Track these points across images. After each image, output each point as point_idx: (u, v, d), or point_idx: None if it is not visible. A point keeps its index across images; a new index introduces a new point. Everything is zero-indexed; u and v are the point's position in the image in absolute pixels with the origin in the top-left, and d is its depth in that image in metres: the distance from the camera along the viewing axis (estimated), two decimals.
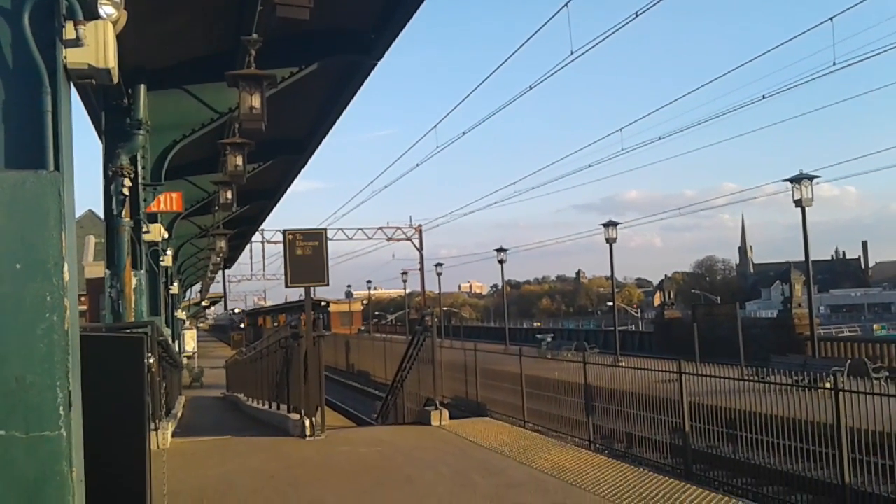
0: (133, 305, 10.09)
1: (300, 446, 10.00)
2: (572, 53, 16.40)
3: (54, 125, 3.38)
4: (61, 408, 3.15)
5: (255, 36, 7.99)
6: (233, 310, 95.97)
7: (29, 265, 3.15)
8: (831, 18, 18.32)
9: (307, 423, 10.25)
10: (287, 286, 10.76)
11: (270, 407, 14.07)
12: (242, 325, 76.66)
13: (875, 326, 65.63)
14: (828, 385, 10.72)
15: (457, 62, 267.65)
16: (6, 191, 3.18)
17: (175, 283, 24.39)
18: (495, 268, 43.15)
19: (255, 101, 8.12)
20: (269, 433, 11.92)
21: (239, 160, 10.61)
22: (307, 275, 10.47)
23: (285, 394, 12.04)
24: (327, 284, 10.82)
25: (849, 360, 20.39)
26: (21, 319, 3.13)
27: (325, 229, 11.27)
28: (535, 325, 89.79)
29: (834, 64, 18.84)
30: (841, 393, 10.40)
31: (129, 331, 6.53)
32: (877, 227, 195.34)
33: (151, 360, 6.89)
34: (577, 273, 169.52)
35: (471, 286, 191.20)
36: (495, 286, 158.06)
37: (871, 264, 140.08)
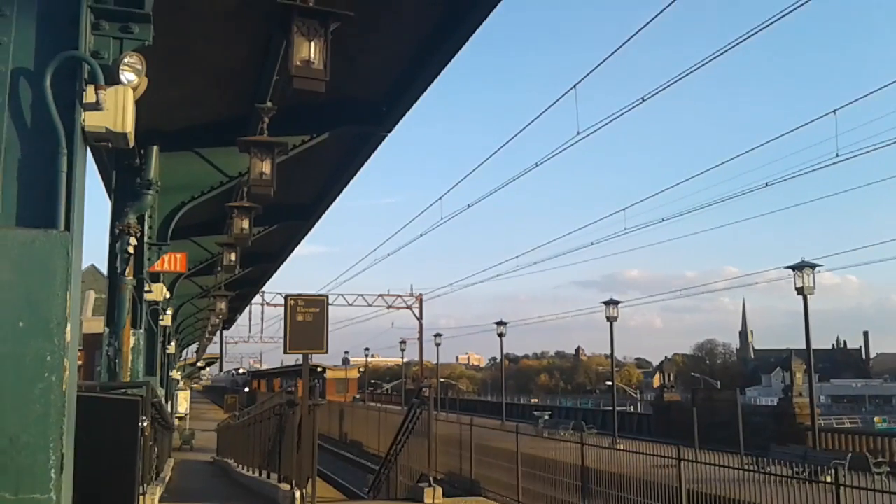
0: (129, 365, 10.00)
1: None
2: (578, 134, 16.69)
3: (68, 186, 3.42)
4: (53, 470, 3.10)
5: (269, 104, 8.15)
6: (236, 370, 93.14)
7: (32, 324, 3.14)
8: (835, 111, 18.66)
9: (297, 494, 10.04)
10: (286, 352, 10.69)
11: (261, 475, 13.81)
12: (247, 388, 70.97)
13: (876, 419, 64.67)
14: (828, 479, 10.53)
15: (463, 135, 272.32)
16: (15, 248, 3.20)
17: (172, 343, 24.25)
18: (494, 340, 42.99)
19: (266, 168, 8.22)
20: (258, 503, 11.67)
21: (245, 223, 10.68)
22: (306, 341, 10.42)
23: (277, 462, 11.82)
24: (326, 352, 10.77)
25: (850, 454, 20.06)
26: (19, 378, 3.11)
27: (327, 296, 11.27)
28: (532, 400, 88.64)
29: (837, 155, 19.10)
30: (842, 487, 10.21)
31: (124, 391, 6.46)
32: (878, 318, 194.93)
33: (145, 424, 6.79)
34: (577, 350, 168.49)
35: (469, 358, 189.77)
36: (493, 359, 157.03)
37: (872, 355, 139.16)
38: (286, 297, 10.60)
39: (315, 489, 10.44)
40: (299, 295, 10.45)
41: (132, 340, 10.00)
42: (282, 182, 9.56)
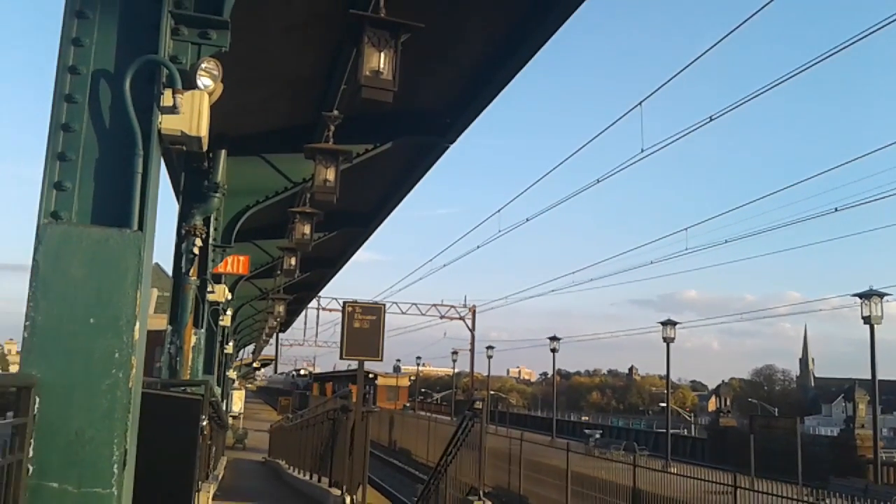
0: (190, 363, 10.19)
1: None
2: (643, 151, 16.50)
3: (143, 186, 3.49)
4: (115, 465, 3.15)
5: (335, 112, 8.24)
6: (297, 370, 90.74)
7: (102, 321, 3.21)
8: None
9: (348, 499, 10.08)
10: (341, 357, 10.82)
11: (311, 478, 13.91)
12: (308, 391, 65.72)
13: None
14: None
15: (523, 149, 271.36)
16: (90, 246, 3.28)
17: (230, 343, 24.68)
18: (546, 355, 42.61)
19: (330, 175, 8.31)
20: None
21: (307, 229, 10.81)
22: (362, 348, 10.47)
23: (328, 467, 11.89)
24: (381, 360, 10.82)
25: None
26: (88, 373, 3.18)
27: (384, 304, 11.33)
28: (583, 418, 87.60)
29: None
30: None
31: (184, 389, 6.58)
32: None
33: (205, 423, 6.89)
34: (630, 369, 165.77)
35: (520, 371, 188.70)
36: (545, 374, 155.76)
37: None
38: (344, 304, 10.68)
39: (365, 496, 10.47)
40: (357, 302, 10.53)
41: (193, 339, 10.19)
42: (344, 189, 9.65)
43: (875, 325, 21.31)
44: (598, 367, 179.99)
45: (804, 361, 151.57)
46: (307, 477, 14.63)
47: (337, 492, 10.64)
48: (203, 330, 10.33)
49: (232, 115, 9.46)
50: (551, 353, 42.69)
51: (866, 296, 21.43)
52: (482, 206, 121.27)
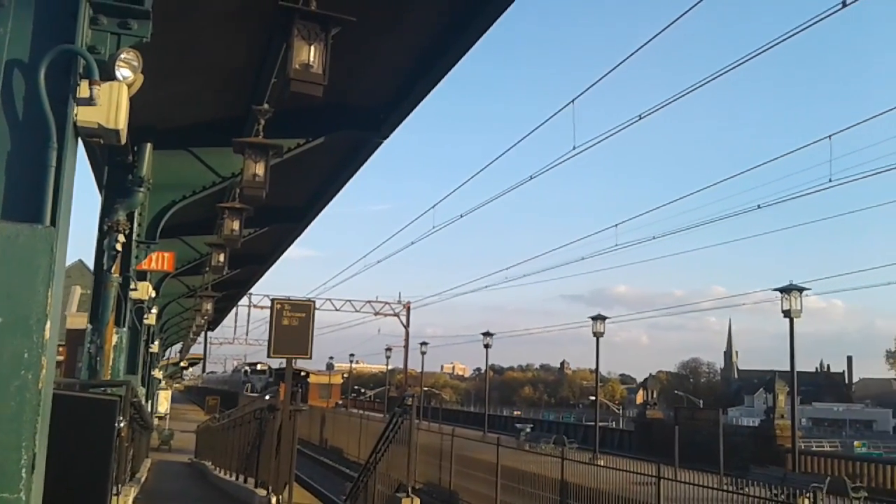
0: (111, 363, 9.90)
1: None
2: (574, 148, 16.73)
3: (56, 180, 3.36)
4: (24, 470, 3.03)
5: (266, 106, 8.10)
6: (253, 365, 76.31)
7: (11, 320, 3.08)
8: (830, 136, 18.81)
9: (274, 499, 9.94)
10: (269, 356, 10.64)
11: (238, 479, 13.68)
12: (261, 390, 59.07)
13: (856, 443, 64.85)
14: (806, 502, 10.58)
15: (458, 145, 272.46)
16: None
17: (156, 342, 24.08)
18: (480, 351, 43.02)
19: (260, 170, 8.16)
20: None
21: (236, 225, 10.61)
22: (291, 346, 10.34)
23: (255, 467, 11.70)
24: (310, 357, 10.70)
25: (828, 478, 20.13)
26: None
27: (314, 301, 11.21)
28: (515, 413, 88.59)
29: (830, 180, 19.24)
30: None
31: (103, 390, 6.38)
32: (862, 343, 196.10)
33: (122, 424, 6.69)
34: (562, 363, 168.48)
35: (454, 367, 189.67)
36: (478, 369, 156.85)
37: (854, 380, 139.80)
38: (273, 301, 10.53)
39: (292, 495, 10.33)
40: (286, 299, 10.38)
41: (115, 339, 9.90)
42: (275, 185, 9.50)
43: (795, 319, 22.10)
44: (531, 362, 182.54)
45: (728, 354, 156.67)
46: (233, 478, 14.39)
47: (263, 492, 10.49)
48: (125, 329, 10.04)
49: (158, 108, 9.23)
50: (485, 349, 42.93)
51: (786, 290, 22.20)
52: (418, 203, 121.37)
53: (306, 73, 5.56)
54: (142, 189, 9.14)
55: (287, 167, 10.48)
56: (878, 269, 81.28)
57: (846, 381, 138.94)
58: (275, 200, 12.69)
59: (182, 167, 10.05)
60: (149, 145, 9.22)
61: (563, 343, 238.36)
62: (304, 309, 10.43)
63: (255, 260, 21.02)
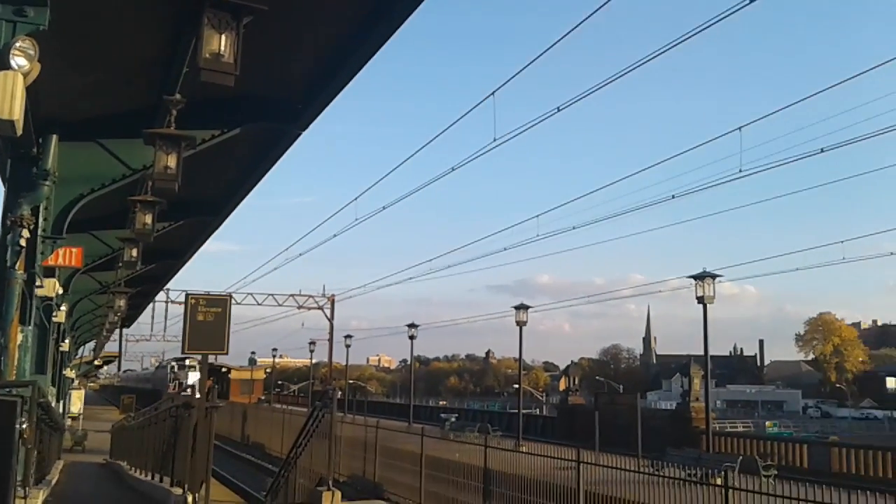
0: (16, 363, 9.51)
1: None
2: (495, 140, 16.84)
3: None
4: None
5: (177, 96, 7.88)
6: (179, 360, 66.75)
7: None
8: (740, 128, 19.44)
9: (189, 498, 9.75)
10: (183, 352, 10.39)
11: (153, 479, 13.36)
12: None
13: (768, 423, 67.75)
14: (718, 481, 10.98)
15: (381, 138, 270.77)
16: None
17: (67, 340, 23.23)
18: (405, 342, 42.85)
19: (171, 161, 7.95)
20: None
21: (148, 219, 10.31)
22: (206, 342, 10.13)
23: (171, 466, 11.45)
24: (227, 353, 10.52)
25: (741, 457, 20.95)
26: None
27: (230, 296, 11.01)
28: (441, 403, 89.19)
29: (740, 171, 19.91)
30: (731, 490, 10.67)
31: (6, 390, 6.13)
32: (773, 327, 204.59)
33: (24, 426, 6.44)
34: (487, 353, 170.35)
35: (380, 360, 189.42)
36: (404, 361, 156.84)
37: (766, 362, 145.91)
38: (187, 296, 10.29)
39: (209, 493, 10.15)
40: (201, 294, 10.17)
41: (20, 337, 9.52)
42: (189, 177, 9.27)
43: (708, 305, 22.85)
44: (457, 353, 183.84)
45: (647, 340, 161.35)
46: (149, 478, 14.04)
47: (179, 491, 10.27)
48: (31, 327, 9.66)
49: (64, 98, 8.91)
50: (410, 341, 42.95)
51: (700, 277, 22.93)
52: (343, 195, 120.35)
53: (217, 63, 5.47)
54: (47, 182, 8.81)
55: (202, 159, 10.24)
56: (788, 256, 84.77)
57: (758, 363, 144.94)
58: (190, 193, 12.41)
59: (91, 159, 9.70)
60: (54, 137, 8.89)
61: (489, 333, 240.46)
62: (220, 304, 10.23)
63: (170, 254, 20.48)
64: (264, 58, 8.36)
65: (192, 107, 8.30)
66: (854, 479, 22.54)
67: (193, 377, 57.73)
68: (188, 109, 8.17)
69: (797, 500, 9.93)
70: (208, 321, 10.01)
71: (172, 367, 66.35)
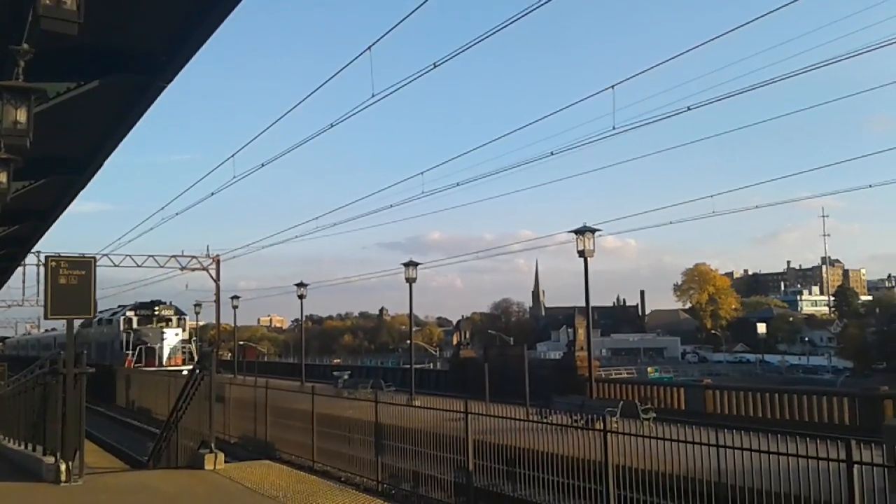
0: None
1: (53, 494, 9.13)
2: (374, 96, 16.60)
3: None
4: None
5: (25, 46, 7.32)
6: (142, 307, 46.59)
7: None
8: (612, 87, 19.88)
9: (63, 467, 9.38)
10: (46, 317, 9.90)
11: (26, 448, 12.79)
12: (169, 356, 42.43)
13: (649, 369, 71.32)
14: (599, 426, 11.45)
15: (260, 93, 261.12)
16: None
17: None
18: (297, 302, 42.05)
19: (21, 116, 7.43)
20: (22, 477, 10.81)
21: (3, 177, 9.63)
22: (71, 306, 9.65)
23: (42, 435, 10.97)
24: (93, 317, 10.07)
25: (622, 402, 21.93)
26: None
27: (94, 258, 10.51)
28: (335, 361, 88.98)
29: (613, 128, 20.44)
30: (609, 434, 11.16)
31: None
32: (653, 278, 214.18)
33: None
34: (381, 310, 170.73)
35: (271, 320, 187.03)
36: (296, 320, 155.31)
37: (647, 311, 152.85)
38: (47, 259, 9.73)
39: (83, 461, 9.80)
40: (62, 256, 9.64)
41: None
42: (46, 133, 8.71)
43: (588, 258, 23.58)
44: (350, 311, 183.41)
45: (536, 294, 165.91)
46: (22, 447, 13.44)
47: (51, 459, 9.87)
48: None
49: None
50: (299, 300, 42.43)
51: (580, 232, 23.58)
52: (219, 153, 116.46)
53: (59, 10, 5.15)
54: None
55: (60, 114, 9.60)
56: (664, 210, 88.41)
57: (640, 313, 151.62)
58: (50, 150, 11.69)
59: None
60: None
61: (382, 290, 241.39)
62: (84, 266, 9.72)
63: (35, 215, 19.27)
64: (119, 5, 7.89)
65: (45, 58, 7.75)
66: (726, 419, 24.09)
67: (172, 338, 43.99)
68: (39, 60, 7.62)
69: (667, 441, 10.49)
70: (72, 284, 9.52)
71: (129, 322, 45.08)
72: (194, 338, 49.81)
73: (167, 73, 9.75)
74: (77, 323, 12.93)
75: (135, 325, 44.65)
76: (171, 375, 28.31)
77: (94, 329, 48.92)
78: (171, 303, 48.26)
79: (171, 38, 9.24)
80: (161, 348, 42.85)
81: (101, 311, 47.55)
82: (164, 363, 41.59)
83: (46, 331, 67.60)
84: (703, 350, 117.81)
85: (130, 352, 41.99)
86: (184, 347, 44.11)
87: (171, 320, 46.00)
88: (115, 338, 45.47)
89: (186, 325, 47.76)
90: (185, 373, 30.40)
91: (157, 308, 46.15)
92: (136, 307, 46.59)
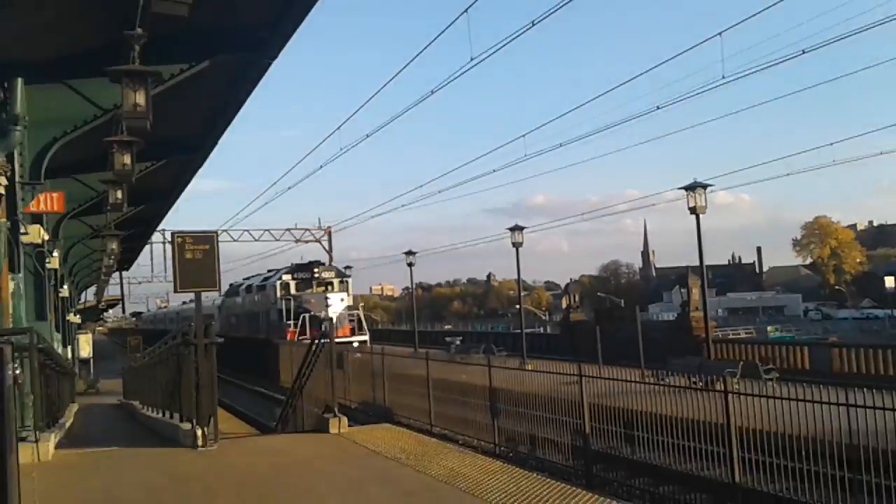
0: (10, 311, 9.52)
1: (191, 457, 9.63)
2: (472, 60, 16.45)
3: None
4: None
5: (138, 31, 7.62)
6: (299, 270, 39.48)
7: None
8: (720, 34, 18.96)
9: (199, 432, 9.90)
10: (176, 291, 10.39)
11: (164, 416, 13.59)
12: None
13: (769, 328, 68.58)
14: (719, 387, 11.09)
15: (357, 64, 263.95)
16: None
17: (65, 286, 23.29)
18: (406, 270, 42.79)
19: (140, 99, 7.77)
20: (161, 444, 11.49)
21: (127, 159, 10.14)
22: (197, 279, 10.09)
23: (178, 402, 11.62)
24: (218, 290, 10.51)
25: (742, 362, 21.20)
26: None
27: (217, 232, 10.92)
28: (445, 327, 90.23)
29: (723, 77, 19.53)
30: (731, 395, 10.78)
31: (7, 339, 6.13)
32: (770, 234, 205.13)
33: (18, 371, 6.45)
34: (488, 276, 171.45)
35: (382, 289, 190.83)
36: (407, 288, 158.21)
37: (765, 269, 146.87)
38: (173, 235, 10.19)
39: (217, 427, 10.32)
40: (187, 232, 10.08)
41: (11, 285, 9.50)
42: (162, 114, 9.08)
43: (701, 215, 22.79)
44: (458, 277, 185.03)
45: (645, 254, 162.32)
46: (160, 415, 14.29)
47: (187, 426, 10.43)
48: (21, 274, 9.62)
49: (24, 40, 8.64)
50: (409, 268, 43.05)
51: (691, 188, 22.79)
52: (326, 126, 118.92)
53: None
54: (18, 127, 8.63)
55: (174, 95, 10.00)
56: (779, 162, 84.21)
57: (757, 270, 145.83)
58: (167, 131, 12.17)
59: (60, 101, 9.47)
60: (19, 80, 8.66)
61: (489, 256, 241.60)
62: (207, 240, 10.13)
63: (157, 195, 20.31)
64: None
65: (157, 41, 8.06)
66: (854, 378, 22.91)
67: (337, 304, 36.44)
68: (153, 45, 7.94)
69: (792, 401, 10.04)
70: (197, 259, 9.95)
71: (286, 288, 37.98)
72: (361, 304, 44.34)
73: (272, 49, 9.95)
74: (214, 295, 13.46)
75: (292, 291, 37.64)
76: (292, 346, 27.37)
77: (241, 298, 44.26)
78: (330, 263, 43.48)
79: (273, 14, 9.40)
80: (325, 315, 34.41)
81: (249, 277, 45.60)
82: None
83: (184, 302, 64.06)
84: (826, 307, 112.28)
85: (292, 321, 35.10)
86: (350, 315, 36.85)
87: (332, 283, 38.70)
88: (270, 307, 39.28)
89: (349, 288, 40.89)
90: (355, 345, 28.80)
91: (316, 270, 38.98)
92: (293, 269, 39.47)
